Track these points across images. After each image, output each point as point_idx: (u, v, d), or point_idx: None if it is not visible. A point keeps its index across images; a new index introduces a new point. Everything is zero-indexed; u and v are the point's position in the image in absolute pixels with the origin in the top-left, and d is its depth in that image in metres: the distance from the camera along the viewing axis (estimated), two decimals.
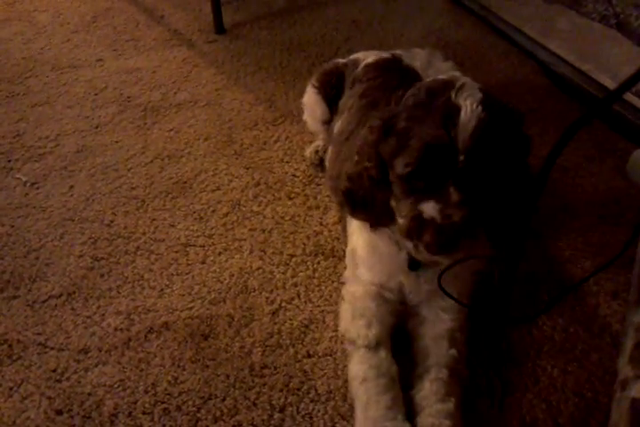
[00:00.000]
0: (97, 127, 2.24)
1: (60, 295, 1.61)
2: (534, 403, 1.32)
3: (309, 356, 1.44)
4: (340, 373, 1.39)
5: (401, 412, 1.24)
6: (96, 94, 2.43)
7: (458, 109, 1.13)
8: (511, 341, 1.44)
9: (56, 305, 1.59)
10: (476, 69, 2.42)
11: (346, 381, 1.35)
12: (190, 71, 2.55)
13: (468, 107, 1.13)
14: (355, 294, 1.43)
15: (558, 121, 2.08)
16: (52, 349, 1.48)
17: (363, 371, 1.30)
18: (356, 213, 1.36)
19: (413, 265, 1.34)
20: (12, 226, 1.83)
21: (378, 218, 1.30)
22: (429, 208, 1.15)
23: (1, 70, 2.57)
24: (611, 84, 2.16)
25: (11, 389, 1.39)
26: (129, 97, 2.40)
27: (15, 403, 1.36)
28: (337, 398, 1.34)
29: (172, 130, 2.21)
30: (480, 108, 1.13)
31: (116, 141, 2.17)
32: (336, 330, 1.46)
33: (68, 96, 2.42)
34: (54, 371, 1.43)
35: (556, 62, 2.42)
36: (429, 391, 1.27)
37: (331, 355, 1.43)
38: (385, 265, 1.40)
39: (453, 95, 1.15)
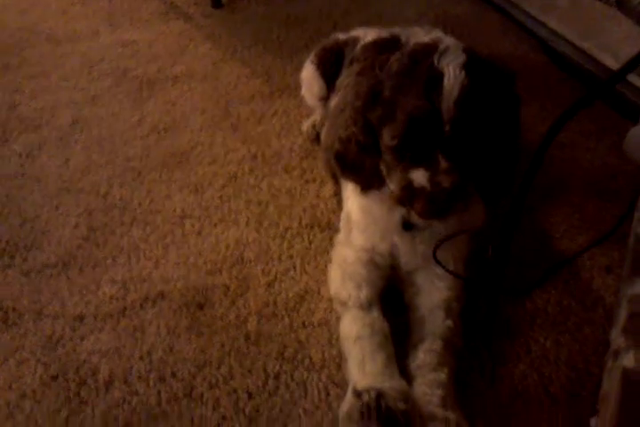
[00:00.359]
0: (93, 99, 2.24)
1: (56, 264, 1.61)
2: (526, 373, 1.33)
3: (304, 326, 1.44)
4: (334, 342, 1.39)
5: (396, 370, 1.25)
6: (92, 67, 2.42)
7: (441, 76, 1.13)
8: (505, 313, 1.45)
9: (51, 274, 1.59)
10: (474, 46, 2.39)
11: (340, 351, 1.36)
12: (187, 45, 2.54)
13: (451, 73, 1.12)
14: (346, 259, 1.45)
15: (557, 98, 2.08)
16: (48, 316, 1.48)
17: (356, 330, 1.31)
18: (346, 176, 1.37)
19: (407, 225, 1.35)
20: (7, 196, 1.83)
21: (368, 181, 1.31)
22: (419, 177, 1.16)
23: None
24: (611, 62, 2.15)
25: (6, 355, 1.40)
26: (125, 70, 2.39)
27: (11, 368, 1.37)
28: (331, 366, 1.35)
29: (168, 103, 2.21)
30: (463, 73, 1.12)
31: (112, 114, 2.16)
32: (331, 300, 1.46)
33: (63, 68, 2.41)
34: (50, 338, 1.43)
35: (556, 40, 2.40)
36: (423, 362, 1.28)
37: (325, 325, 1.44)
38: (378, 226, 1.40)
39: (436, 60, 1.14)
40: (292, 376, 1.33)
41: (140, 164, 1.94)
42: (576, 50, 2.32)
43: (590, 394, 1.28)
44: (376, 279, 1.42)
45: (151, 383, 1.33)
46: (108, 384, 1.33)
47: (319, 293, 1.52)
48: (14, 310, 1.50)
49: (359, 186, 1.34)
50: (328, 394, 1.29)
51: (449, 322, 1.34)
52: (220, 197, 1.81)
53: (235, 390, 1.31)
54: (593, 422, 1.19)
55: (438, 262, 1.29)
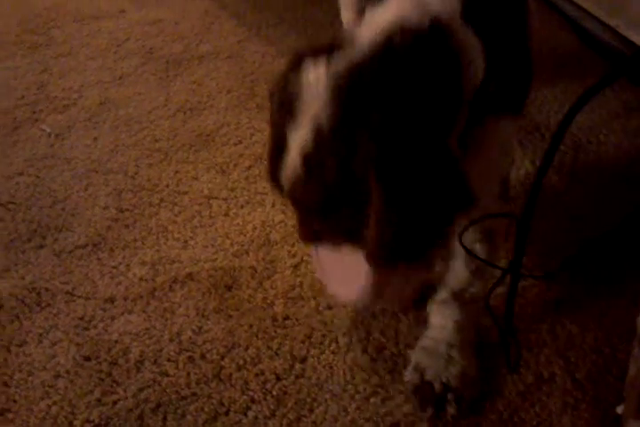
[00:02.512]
0: (120, 79, 2.24)
1: (86, 245, 1.64)
2: (552, 359, 1.34)
3: (330, 308, 1.45)
4: (359, 325, 1.41)
5: None
6: (118, 46, 2.42)
7: None
8: (530, 296, 1.45)
9: (82, 255, 1.62)
10: None
11: (368, 333, 1.38)
12: (212, 23, 2.53)
13: None
14: None
15: (584, 78, 2.04)
16: (80, 297, 1.51)
17: None
18: None
19: None
20: (38, 176, 1.85)
21: None
22: None
23: (23, 20, 2.55)
24: (639, 40, 2.12)
25: (40, 335, 1.43)
26: (151, 48, 2.39)
27: (45, 349, 1.40)
28: (357, 350, 1.36)
29: (194, 82, 2.21)
30: None
31: (139, 93, 2.17)
32: None
33: (90, 47, 2.41)
34: (82, 319, 1.46)
35: (584, 17, 2.37)
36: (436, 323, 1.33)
37: (351, 307, 1.45)
38: None
39: None
40: (318, 359, 1.35)
41: (167, 144, 1.95)
42: (604, 27, 2.29)
43: (616, 379, 1.28)
44: None
45: (180, 365, 1.36)
46: (139, 365, 1.36)
47: None
48: (47, 290, 1.53)
49: None
50: (353, 378, 1.31)
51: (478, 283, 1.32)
52: (247, 178, 1.82)
53: (262, 372, 1.34)
54: (619, 409, 1.20)
55: (465, 248, 1.28)
